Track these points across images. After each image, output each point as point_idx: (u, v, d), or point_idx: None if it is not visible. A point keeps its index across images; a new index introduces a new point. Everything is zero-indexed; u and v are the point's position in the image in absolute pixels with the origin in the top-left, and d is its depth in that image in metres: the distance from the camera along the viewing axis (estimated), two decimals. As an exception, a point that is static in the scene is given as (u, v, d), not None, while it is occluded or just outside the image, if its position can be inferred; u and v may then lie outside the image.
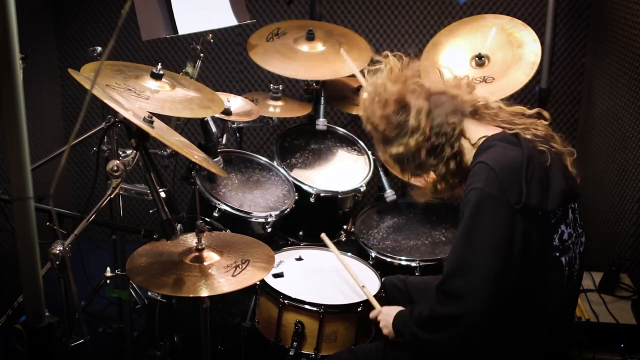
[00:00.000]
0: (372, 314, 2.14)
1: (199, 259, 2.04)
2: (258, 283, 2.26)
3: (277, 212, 2.68)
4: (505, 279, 1.71)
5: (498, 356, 1.89)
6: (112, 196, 1.83)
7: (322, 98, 3.12)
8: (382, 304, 2.36)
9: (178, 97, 2.32)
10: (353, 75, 2.99)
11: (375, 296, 2.28)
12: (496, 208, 1.68)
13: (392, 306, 2.08)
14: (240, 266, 2.01)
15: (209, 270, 1.99)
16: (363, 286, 2.27)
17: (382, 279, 2.39)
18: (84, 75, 2.03)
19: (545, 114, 1.94)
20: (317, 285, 2.35)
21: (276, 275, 2.37)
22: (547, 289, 1.82)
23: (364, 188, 2.94)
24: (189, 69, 2.84)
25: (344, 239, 2.97)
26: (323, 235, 2.54)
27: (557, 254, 1.79)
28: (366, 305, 2.24)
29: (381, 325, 2.05)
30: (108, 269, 2.65)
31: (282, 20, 3.59)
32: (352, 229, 2.93)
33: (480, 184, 1.70)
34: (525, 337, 1.85)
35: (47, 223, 1.86)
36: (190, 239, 2.13)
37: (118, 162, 1.80)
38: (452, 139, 1.84)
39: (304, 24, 3.28)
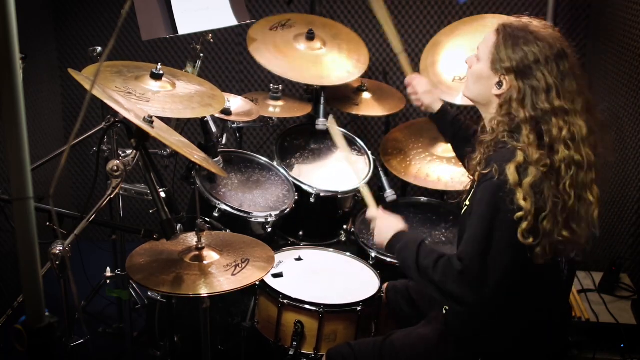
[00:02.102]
0: (368, 214, 2.13)
1: (199, 258, 2.04)
2: (257, 283, 2.26)
3: (277, 212, 2.68)
4: (514, 272, 1.74)
5: (499, 354, 1.90)
6: (112, 196, 1.83)
7: (322, 98, 3.12)
8: (382, 306, 2.37)
9: (180, 95, 2.32)
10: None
11: (373, 296, 2.28)
12: (507, 212, 1.69)
13: (390, 218, 2.06)
14: (240, 265, 2.01)
15: (209, 269, 1.99)
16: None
17: (386, 285, 2.38)
18: (84, 75, 2.03)
19: None
20: (316, 285, 2.35)
21: (275, 275, 2.37)
22: (548, 278, 1.86)
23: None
24: (189, 69, 2.84)
25: (344, 239, 2.97)
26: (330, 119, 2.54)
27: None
28: (365, 304, 2.24)
29: (375, 232, 2.04)
30: (108, 269, 2.65)
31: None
32: (352, 229, 2.93)
33: (498, 180, 1.71)
34: (527, 333, 1.86)
35: (47, 223, 1.85)
36: (190, 238, 2.13)
37: (118, 162, 1.80)
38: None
39: (314, 19, 3.28)
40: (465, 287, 1.74)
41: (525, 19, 1.88)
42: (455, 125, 2.37)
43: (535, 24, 1.85)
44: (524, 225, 1.68)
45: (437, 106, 2.45)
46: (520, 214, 1.68)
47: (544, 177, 1.70)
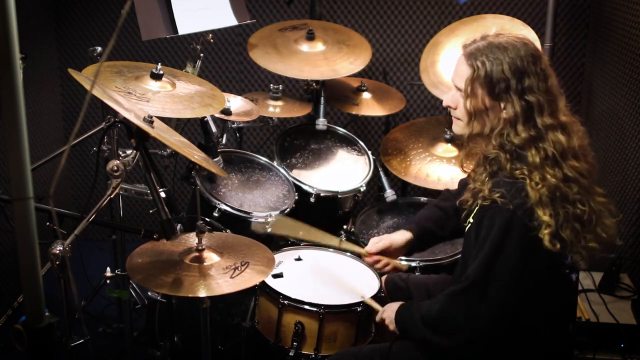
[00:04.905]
0: (377, 318, 2.12)
1: (199, 259, 2.03)
2: (257, 283, 2.26)
3: (277, 212, 2.68)
4: (517, 300, 1.76)
5: (506, 355, 1.90)
6: (112, 196, 1.83)
7: (322, 98, 3.12)
8: (382, 303, 2.37)
9: (180, 95, 2.32)
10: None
11: (374, 296, 2.28)
12: (523, 233, 1.70)
13: (394, 302, 2.07)
14: (239, 268, 2.00)
15: (208, 271, 1.98)
16: (362, 297, 2.22)
17: (384, 278, 2.39)
18: (83, 75, 2.03)
19: None
20: (316, 286, 2.35)
21: (276, 276, 2.37)
22: (557, 298, 1.88)
23: (364, 188, 2.94)
24: (189, 69, 2.84)
25: (344, 239, 2.97)
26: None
27: (567, 271, 1.84)
28: (366, 304, 2.24)
29: (387, 322, 2.04)
30: (108, 269, 2.65)
31: (284, 20, 3.60)
32: (352, 229, 2.93)
33: (512, 205, 1.70)
34: (534, 337, 1.86)
35: (47, 223, 1.85)
36: (192, 239, 2.13)
37: (118, 162, 1.80)
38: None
39: (328, 25, 3.32)
40: (463, 307, 1.76)
41: (477, 38, 1.84)
42: (436, 233, 2.22)
43: (496, 37, 1.81)
44: (547, 236, 1.67)
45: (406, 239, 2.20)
46: (545, 231, 1.67)
47: (554, 190, 1.70)
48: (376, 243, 2.18)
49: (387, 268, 2.21)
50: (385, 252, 2.18)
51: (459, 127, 1.91)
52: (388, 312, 2.05)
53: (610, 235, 1.79)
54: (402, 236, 2.16)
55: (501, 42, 1.77)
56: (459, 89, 1.85)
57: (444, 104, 1.93)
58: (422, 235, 2.18)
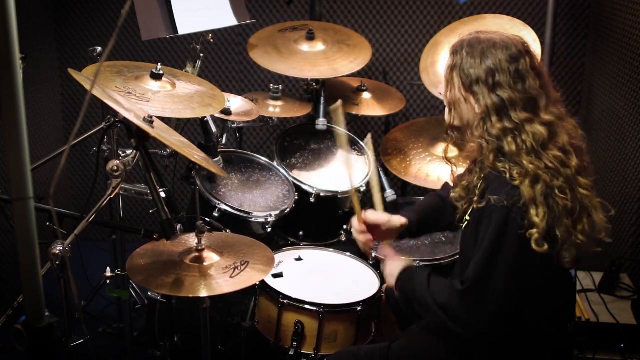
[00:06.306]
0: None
1: (199, 260, 2.04)
2: (257, 283, 2.26)
3: (277, 212, 2.68)
4: (518, 296, 1.76)
5: (511, 352, 1.90)
6: (112, 196, 1.83)
7: (322, 98, 3.12)
8: (382, 306, 2.37)
9: (180, 95, 2.32)
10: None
11: (374, 296, 2.28)
12: (519, 231, 1.70)
13: (399, 259, 2.07)
14: (239, 268, 2.00)
15: (208, 271, 1.98)
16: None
17: (385, 285, 2.38)
18: (83, 75, 2.03)
19: None
20: (316, 285, 2.35)
21: (276, 276, 2.37)
22: (561, 293, 1.88)
23: (364, 188, 2.94)
24: (189, 69, 2.84)
25: (344, 239, 2.97)
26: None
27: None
28: (366, 304, 2.24)
29: (386, 273, 2.04)
30: (108, 269, 2.65)
31: (284, 20, 3.61)
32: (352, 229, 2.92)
33: (506, 202, 1.71)
34: (538, 333, 1.87)
35: (47, 223, 1.85)
36: (192, 239, 2.13)
37: (118, 162, 1.80)
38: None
39: (329, 26, 3.31)
40: (465, 308, 1.76)
41: (474, 32, 1.87)
42: (428, 220, 2.23)
43: (485, 33, 1.84)
44: (535, 235, 1.67)
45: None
46: (534, 230, 1.67)
47: (547, 184, 1.70)
48: (375, 214, 2.16)
49: (367, 242, 2.15)
50: (377, 227, 2.15)
51: (449, 118, 1.94)
52: (390, 267, 2.03)
53: (597, 232, 1.79)
54: (398, 220, 2.15)
55: (486, 38, 1.81)
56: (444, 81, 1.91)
57: (439, 90, 1.98)
58: (418, 224, 2.18)
